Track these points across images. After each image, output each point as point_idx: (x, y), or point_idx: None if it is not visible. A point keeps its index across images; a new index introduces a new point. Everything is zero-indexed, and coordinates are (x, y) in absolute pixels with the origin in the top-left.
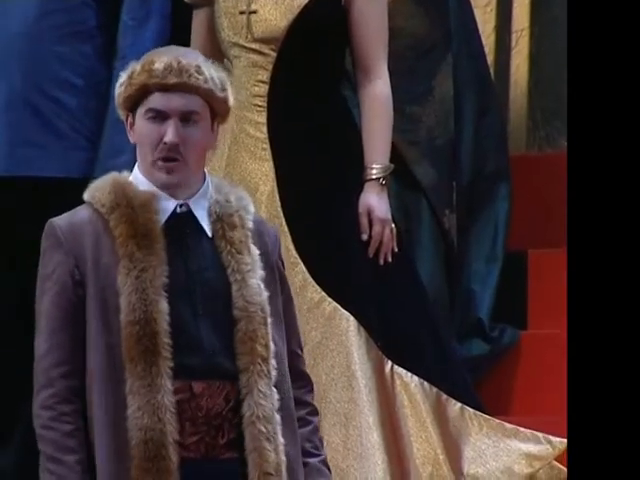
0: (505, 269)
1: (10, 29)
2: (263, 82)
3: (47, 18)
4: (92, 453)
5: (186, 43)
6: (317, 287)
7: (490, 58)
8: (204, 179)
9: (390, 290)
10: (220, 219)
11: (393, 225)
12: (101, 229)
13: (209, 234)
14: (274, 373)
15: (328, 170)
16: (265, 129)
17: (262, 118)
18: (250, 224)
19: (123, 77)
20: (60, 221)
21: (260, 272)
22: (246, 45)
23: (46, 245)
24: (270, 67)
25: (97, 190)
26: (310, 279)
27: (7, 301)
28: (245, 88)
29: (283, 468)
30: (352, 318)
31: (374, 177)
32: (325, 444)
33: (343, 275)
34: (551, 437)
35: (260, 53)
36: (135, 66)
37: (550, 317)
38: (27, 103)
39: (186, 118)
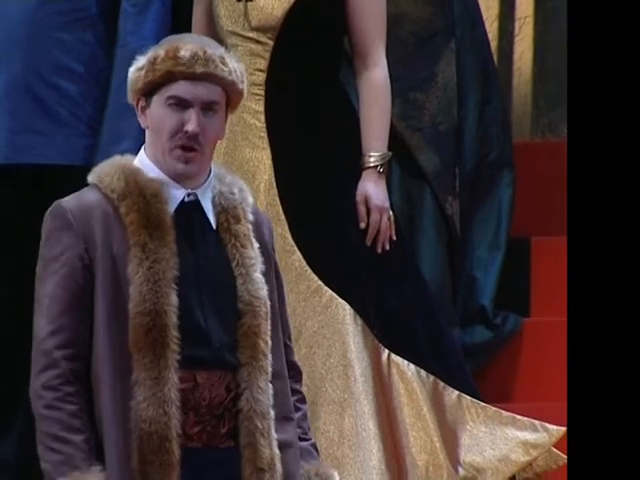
0: (508, 256)
1: (11, 16)
2: (261, 70)
3: (48, 5)
4: (97, 434)
5: (186, 30)
6: (314, 276)
7: (493, 45)
8: (210, 169)
9: (387, 278)
10: (225, 211)
11: (391, 213)
12: (111, 214)
13: (214, 226)
14: (270, 369)
15: (326, 158)
16: (263, 117)
17: (260, 107)
18: (251, 216)
19: (143, 61)
20: (69, 203)
21: (261, 266)
22: (244, 34)
23: (53, 226)
24: (268, 55)
25: (105, 174)
26: (307, 267)
27: (7, 290)
28: None
29: (277, 462)
30: (348, 307)
31: (372, 165)
32: (321, 433)
33: (340, 264)
34: (548, 425)
35: (258, 42)
36: (158, 51)
37: (553, 304)
38: (28, 90)
39: (208, 108)
